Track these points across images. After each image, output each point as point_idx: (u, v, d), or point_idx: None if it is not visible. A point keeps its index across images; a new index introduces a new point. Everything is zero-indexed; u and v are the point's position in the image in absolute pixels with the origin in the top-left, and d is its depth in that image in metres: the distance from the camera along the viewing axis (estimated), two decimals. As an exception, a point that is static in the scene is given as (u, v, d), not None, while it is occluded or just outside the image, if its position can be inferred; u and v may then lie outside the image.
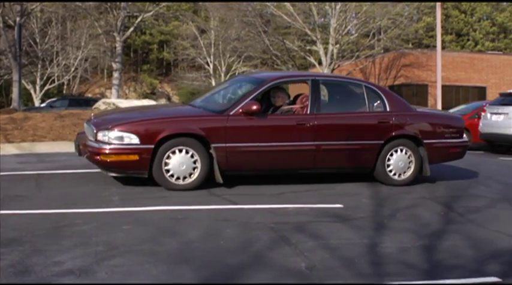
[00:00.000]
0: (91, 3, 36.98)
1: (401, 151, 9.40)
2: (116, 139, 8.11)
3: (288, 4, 37.29)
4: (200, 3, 52.62)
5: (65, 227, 6.12)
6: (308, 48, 40.07)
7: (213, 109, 8.95)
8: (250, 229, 6.35)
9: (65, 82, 50.12)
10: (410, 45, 53.98)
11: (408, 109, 9.80)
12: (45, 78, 42.74)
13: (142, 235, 5.94)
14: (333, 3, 35.85)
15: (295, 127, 8.88)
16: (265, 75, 9.95)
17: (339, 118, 9.29)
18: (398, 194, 8.82)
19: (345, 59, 38.89)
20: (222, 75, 52.68)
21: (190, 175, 8.30)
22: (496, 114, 17.03)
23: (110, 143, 8.08)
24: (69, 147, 13.26)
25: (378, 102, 9.54)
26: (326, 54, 37.55)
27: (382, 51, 41.14)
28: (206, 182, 8.37)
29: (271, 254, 5.51)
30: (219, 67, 53.41)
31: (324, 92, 9.45)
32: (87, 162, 8.77)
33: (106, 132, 8.15)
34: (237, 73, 52.70)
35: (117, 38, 37.09)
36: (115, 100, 22.67)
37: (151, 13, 38.99)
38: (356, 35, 39.62)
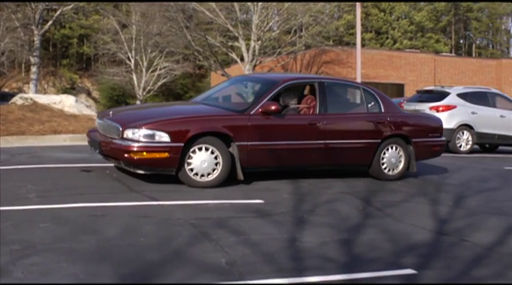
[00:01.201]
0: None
1: (393, 148, 10.24)
2: (147, 137, 8.22)
3: None
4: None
5: (-21, 226, 5.93)
6: (230, 44, 40.07)
7: (233, 109, 9.29)
8: (170, 225, 6.31)
9: (-19, 77, 48.65)
10: (331, 43, 54.68)
11: (398, 110, 10.72)
12: (-41, 72, 41.34)
13: (60, 233, 5.81)
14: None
15: (307, 126, 9.47)
16: (277, 77, 10.55)
17: (343, 118, 10.06)
18: (318, 189, 8.94)
19: (266, 55, 39.09)
20: (144, 70, 52.13)
21: (212, 172, 8.52)
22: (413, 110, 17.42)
23: (140, 141, 8.18)
24: (-16, 143, 12.88)
25: (373, 103, 10.35)
26: (248, 50, 37.66)
27: (304, 48, 41.51)
28: (227, 179, 8.65)
29: (191, 250, 5.48)
30: (140, 63, 52.82)
31: (328, 94, 9.93)
32: (3, 159, 8.52)
33: (136, 130, 8.24)
34: (159, 69, 52.28)
35: (35, 32, 36.24)
36: (33, 95, 22.12)
37: (70, 6, 38.26)
38: (278, 31, 39.87)
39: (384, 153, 10.15)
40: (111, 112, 9.29)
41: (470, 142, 17.29)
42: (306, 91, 10.48)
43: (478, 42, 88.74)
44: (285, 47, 40.53)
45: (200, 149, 8.44)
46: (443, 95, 17.72)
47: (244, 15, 41.24)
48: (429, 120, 11.25)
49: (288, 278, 4.93)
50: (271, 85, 9.55)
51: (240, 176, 8.70)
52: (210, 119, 8.82)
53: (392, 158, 10.21)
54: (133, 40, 51.29)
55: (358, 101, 10.49)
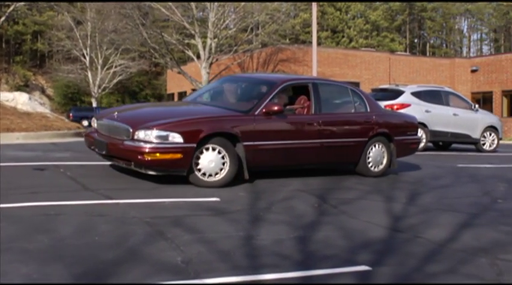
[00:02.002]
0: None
1: (378, 146, 10.80)
2: (160, 138, 8.25)
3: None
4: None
5: None
6: (186, 41, 39.96)
7: (237, 109, 9.42)
8: (125, 224, 6.25)
9: None
10: (287, 41, 54.90)
11: (381, 109, 11.25)
12: None
13: (13, 232, 5.70)
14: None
15: (306, 126, 9.87)
16: (274, 77, 10.88)
17: (336, 118, 10.46)
18: (274, 187, 8.97)
19: (223, 53, 39.09)
20: (99, 67, 51.67)
21: (219, 172, 8.66)
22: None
23: (153, 142, 8.21)
24: None
25: (360, 103, 10.92)
26: (204, 48, 37.61)
27: (260, 46, 41.61)
28: (235, 178, 8.86)
29: (147, 249, 5.44)
30: (95, 60, 52.36)
31: (322, 94, 10.28)
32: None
33: (148, 131, 8.23)
34: (114, 67, 51.76)
35: (-13, 28, 35.63)
36: (-15, 92, 21.74)
37: (24, 2, 37.69)
38: (234, 29, 39.92)
39: (370, 151, 10.67)
40: (115, 113, 9.17)
41: (424, 140, 17.53)
42: (290, 93, 10.73)
43: (432, 41, 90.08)
44: (242, 45, 40.60)
45: (208, 149, 8.56)
46: (397, 93, 17.94)
47: (201, 13, 41.20)
48: (407, 119, 11.83)
49: (244, 276, 4.93)
50: (270, 86, 9.79)
51: (247, 175, 8.94)
52: (219, 120, 8.90)
53: (377, 156, 10.76)
54: (89, 37, 50.82)
55: (346, 101, 10.88)
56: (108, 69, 52.87)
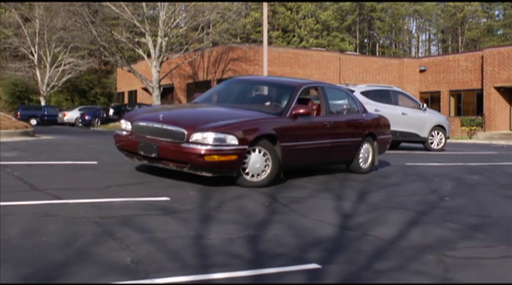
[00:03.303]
0: None
1: (367, 144, 11.64)
2: (217, 140, 8.47)
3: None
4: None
5: None
6: (137, 40, 39.69)
7: (269, 112, 9.87)
8: (74, 224, 6.18)
9: None
10: (238, 40, 54.94)
11: (366, 110, 11.99)
12: None
13: (-43, 233, 5.60)
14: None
15: (322, 127, 10.47)
16: (291, 81, 11.50)
17: (343, 119, 11.31)
18: (225, 186, 8.96)
19: (173, 52, 38.94)
20: (48, 65, 50.95)
21: (261, 172, 9.04)
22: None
23: (211, 145, 8.42)
24: None
25: (353, 105, 11.75)
26: (155, 46, 37.41)
27: (211, 44, 41.57)
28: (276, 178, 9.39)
29: (95, 249, 5.39)
30: (44, 58, 51.62)
31: (329, 97, 11.04)
32: None
33: (206, 134, 8.37)
34: (63, 65, 51.01)
35: None
36: None
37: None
38: (185, 28, 39.78)
39: (361, 149, 11.47)
40: (161, 116, 9.09)
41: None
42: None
43: (381, 41, 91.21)
44: (193, 44, 40.53)
45: (255, 150, 8.87)
46: (347, 93, 18.09)
47: (152, 11, 40.98)
48: (383, 119, 12.61)
49: (194, 275, 4.92)
50: (292, 90, 10.32)
51: (282, 174, 9.56)
52: (264, 122, 9.30)
53: (365, 153, 11.60)
54: (37, 34, 50.11)
55: (344, 103, 11.59)
56: (57, 67, 52.17)
